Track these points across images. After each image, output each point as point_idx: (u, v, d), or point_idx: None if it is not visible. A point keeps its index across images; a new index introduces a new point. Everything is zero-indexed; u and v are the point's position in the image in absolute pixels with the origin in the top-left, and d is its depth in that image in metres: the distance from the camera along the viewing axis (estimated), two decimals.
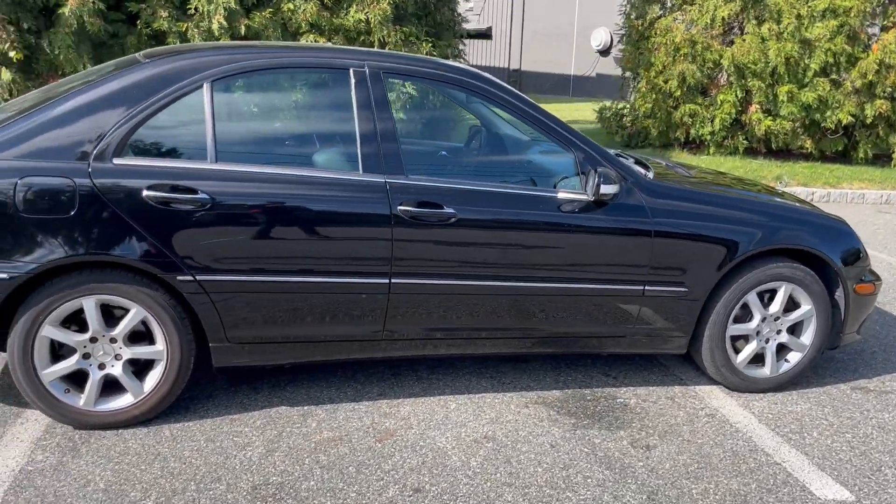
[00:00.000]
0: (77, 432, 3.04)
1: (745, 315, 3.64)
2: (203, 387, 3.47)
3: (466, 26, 32.77)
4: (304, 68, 3.30)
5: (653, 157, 4.55)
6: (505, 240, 3.24)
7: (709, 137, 10.24)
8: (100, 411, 3.06)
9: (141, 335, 3.07)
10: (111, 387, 3.08)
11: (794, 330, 3.73)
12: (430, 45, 8.33)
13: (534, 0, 28.58)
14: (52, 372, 2.98)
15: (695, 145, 10.73)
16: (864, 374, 4.04)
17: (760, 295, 3.63)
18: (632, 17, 10.86)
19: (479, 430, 3.21)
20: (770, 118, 9.94)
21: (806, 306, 3.65)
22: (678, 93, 10.00)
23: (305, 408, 3.33)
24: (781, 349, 3.74)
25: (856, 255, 3.72)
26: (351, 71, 3.18)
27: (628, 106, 11.02)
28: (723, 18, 9.84)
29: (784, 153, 10.61)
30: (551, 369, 3.84)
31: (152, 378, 3.09)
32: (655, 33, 10.22)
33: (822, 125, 10.02)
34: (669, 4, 10.48)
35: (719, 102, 9.98)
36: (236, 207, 2.98)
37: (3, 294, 2.83)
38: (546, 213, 3.28)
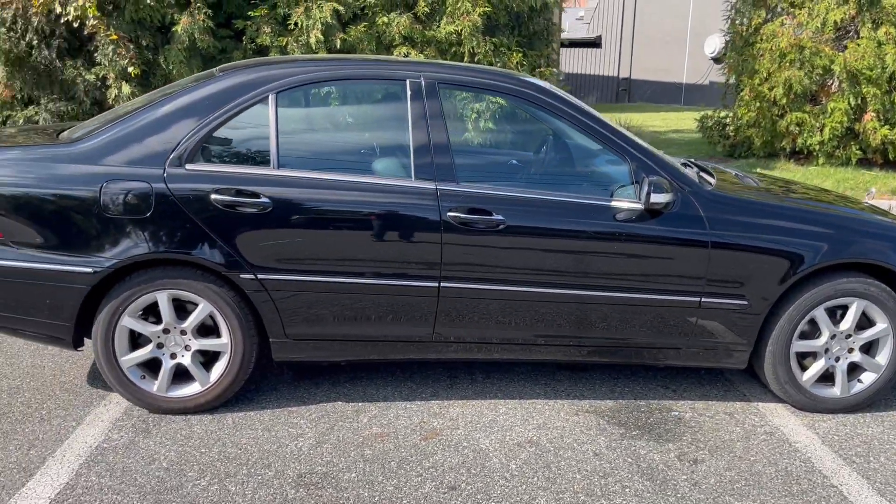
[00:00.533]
0: (150, 415, 3.30)
1: (812, 331, 3.49)
2: (269, 380, 3.68)
3: (576, 35, 32.41)
4: (363, 80, 3.46)
5: (725, 167, 4.42)
6: (555, 247, 3.27)
7: (817, 147, 9.73)
8: (171, 397, 3.31)
9: (209, 329, 3.30)
10: (182, 375, 3.33)
11: (870, 349, 3.55)
12: (520, 54, 8.38)
13: (645, 7, 28.04)
14: (130, 359, 3.25)
15: (803, 156, 10.23)
16: None
17: (831, 311, 3.48)
18: (736, 22, 10.49)
19: (525, 434, 3.25)
20: (887, 127, 9.35)
21: (882, 324, 3.46)
22: (784, 101, 9.56)
23: (360, 404, 3.47)
24: (854, 369, 3.57)
25: None
26: (407, 82, 3.30)
27: (731, 115, 10.63)
28: (835, 22, 9.34)
29: None
30: (609, 379, 3.82)
31: (218, 369, 3.31)
32: (761, 39, 9.83)
33: None
34: (779, 8, 10.06)
35: (830, 110, 9.48)
36: (295, 211, 3.16)
37: (88, 286, 3.13)
38: (598, 222, 3.28)
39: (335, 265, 3.21)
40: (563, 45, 31.03)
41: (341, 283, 3.22)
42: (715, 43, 23.98)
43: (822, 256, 3.34)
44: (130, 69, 7.53)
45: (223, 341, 3.28)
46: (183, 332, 3.27)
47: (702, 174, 3.71)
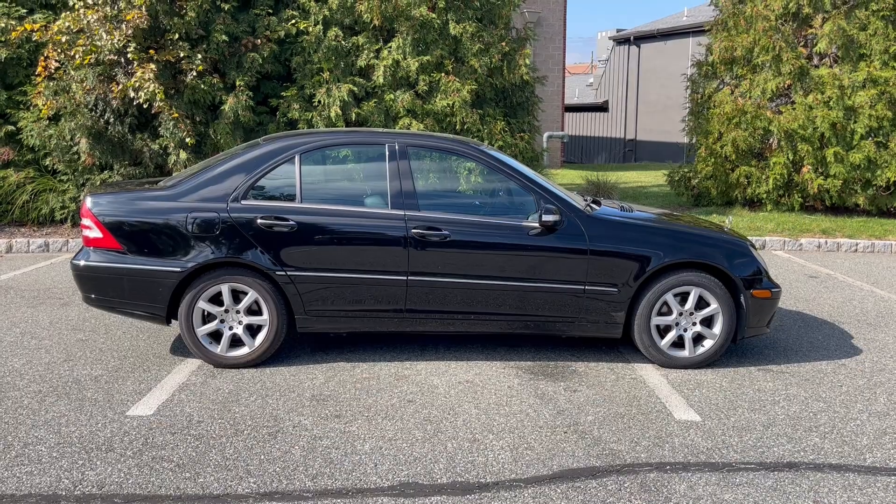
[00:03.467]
0: (215, 369, 4.94)
1: (668, 310, 5.06)
2: (295, 350, 5.31)
3: (585, 101, 34.51)
4: (358, 144, 5.22)
5: (616, 201, 6.06)
6: (483, 251, 4.91)
7: (764, 196, 11.32)
8: (229, 356, 4.95)
9: (254, 310, 4.95)
10: (236, 342, 4.98)
11: (710, 323, 5.09)
12: (503, 122, 10.18)
13: (648, 74, 30.09)
14: (202, 330, 4.91)
15: (756, 203, 11.80)
16: (776, 360, 5.30)
17: (681, 296, 5.04)
18: (694, 91, 12.25)
19: (464, 377, 4.84)
20: (821, 177, 10.93)
21: (713, 305, 5.02)
22: (733, 156, 11.22)
23: (356, 363, 5.08)
24: (700, 337, 5.11)
25: (751, 267, 5.07)
26: (386, 146, 5.03)
27: (692, 170, 12.28)
28: (772, 90, 11.05)
29: (840, 209, 11.46)
30: (533, 350, 5.40)
31: (260, 337, 4.95)
32: (713, 105, 11.55)
33: (874, 183, 10.87)
34: (726, 79, 11.80)
35: (772, 164, 11.10)
36: (312, 229, 4.85)
37: (177, 280, 4.81)
38: (515, 235, 4.93)
39: (338, 264, 4.87)
40: (571, 109, 33.24)
41: (343, 277, 4.88)
42: None
43: (664, 258, 4.94)
44: (187, 140, 9.43)
45: (264, 318, 4.93)
46: (237, 312, 4.93)
47: (591, 205, 5.35)
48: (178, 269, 4.81)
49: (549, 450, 3.82)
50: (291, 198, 4.94)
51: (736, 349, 5.49)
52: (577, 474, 3.57)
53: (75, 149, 9.86)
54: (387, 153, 5.02)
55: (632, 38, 30.72)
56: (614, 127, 32.26)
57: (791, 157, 10.96)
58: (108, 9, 9.25)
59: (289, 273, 4.85)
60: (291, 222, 4.83)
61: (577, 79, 39.78)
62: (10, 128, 10.16)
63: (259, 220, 4.82)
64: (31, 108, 9.97)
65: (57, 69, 9.65)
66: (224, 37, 9.54)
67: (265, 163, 4.96)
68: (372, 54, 10.04)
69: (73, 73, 9.55)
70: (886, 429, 4.17)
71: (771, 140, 11.34)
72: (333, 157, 5.27)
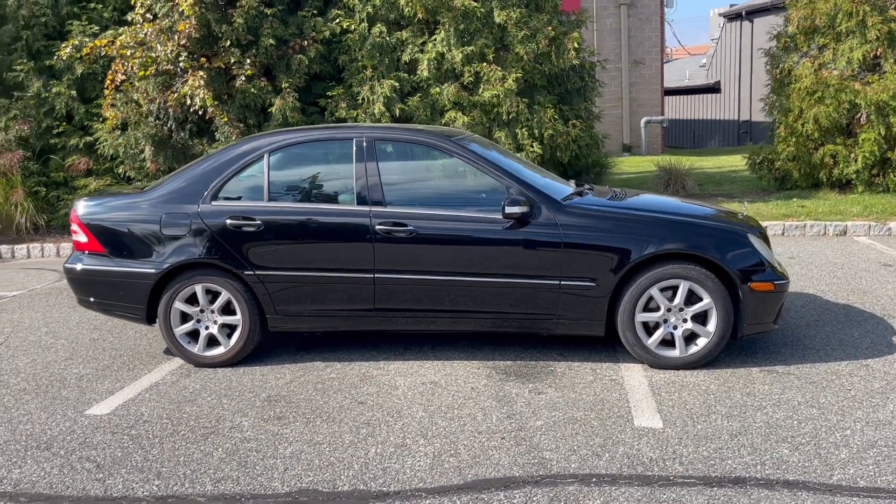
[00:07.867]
0: (192, 368, 5.01)
1: (656, 306, 4.64)
2: (278, 350, 5.30)
3: (696, 82, 32.87)
4: (324, 140, 5.12)
5: (610, 188, 5.63)
6: (451, 246, 4.70)
7: (854, 176, 10.27)
8: (206, 355, 5.00)
9: (231, 310, 4.97)
10: (214, 341, 5.02)
11: (705, 319, 4.63)
12: (552, 110, 9.79)
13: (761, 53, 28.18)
14: (180, 329, 4.99)
15: (845, 185, 10.73)
16: (788, 360, 4.74)
17: (671, 290, 4.61)
18: (771, 66, 11.29)
19: (432, 378, 4.64)
20: None
21: (706, 300, 4.55)
22: (815, 134, 10.24)
23: (331, 363, 5.01)
24: (693, 335, 4.65)
25: (750, 259, 4.56)
26: (353, 140, 4.92)
27: (773, 151, 11.33)
28: (859, 59, 9.99)
29: None
30: (521, 349, 5.11)
31: (235, 337, 4.97)
32: (793, 80, 10.59)
33: None
34: (808, 52, 10.78)
35: (861, 141, 10.05)
36: (277, 228, 4.82)
37: (153, 281, 4.91)
38: (482, 229, 4.69)
39: (305, 263, 4.81)
40: (680, 92, 31.74)
41: (309, 276, 4.81)
42: None
43: (645, 249, 4.52)
44: None
45: (238, 318, 4.94)
46: (213, 312, 4.97)
47: (577, 193, 4.99)
48: (154, 271, 4.91)
49: (474, 457, 3.58)
50: (259, 197, 4.93)
51: (747, 347, 4.98)
52: (488, 485, 3.32)
53: (142, 156, 10.38)
54: (353, 148, 4.90)
55: (744, 12, 28.86)
56: (727, 108, 30.48)
57: (882, 133, 9.87)
58: (163, 21, 9.67)
59: (257, 273, 4.84)
60: (258, 222, 4.82)
61: (690, 60, 37.92)
62: (89, 139, 10.86)
63: (227, 221, 4.84)
64: (105, 119, 10.59)
65: (123, 81, 10.19)
66: (271, 40, 9.73)
67: (235, 163, 4.97)
68: (416, 48, 9.94)
69: (137, 84, 10.06)
70: (877, 440, 3.62)
71: (859, 114, 10.26)
72: (301, 154, 5.18)
